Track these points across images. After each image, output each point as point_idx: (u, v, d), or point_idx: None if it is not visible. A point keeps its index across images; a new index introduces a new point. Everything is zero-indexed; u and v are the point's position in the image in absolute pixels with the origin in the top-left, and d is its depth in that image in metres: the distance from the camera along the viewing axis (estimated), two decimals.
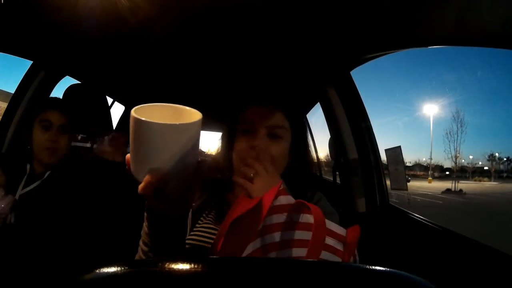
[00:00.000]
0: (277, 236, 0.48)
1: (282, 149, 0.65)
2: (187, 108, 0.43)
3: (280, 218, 0.49)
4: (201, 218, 0.67)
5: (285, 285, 0.26)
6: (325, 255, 0.48)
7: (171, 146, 0.38)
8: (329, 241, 0.49)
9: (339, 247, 0.50)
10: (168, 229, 0.47)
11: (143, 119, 0.36)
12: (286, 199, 0.52)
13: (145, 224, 0.48)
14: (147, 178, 0.38)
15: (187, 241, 0.60)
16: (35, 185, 0.99)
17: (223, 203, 0.68)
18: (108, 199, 1.15)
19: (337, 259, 0.49)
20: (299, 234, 0.48)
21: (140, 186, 0.39)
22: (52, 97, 1.23)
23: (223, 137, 0.73)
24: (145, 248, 0.48)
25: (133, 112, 0.37)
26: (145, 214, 0.47)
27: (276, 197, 0.50)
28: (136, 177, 0.40)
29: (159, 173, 0.38)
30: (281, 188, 0.51)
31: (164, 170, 0.39)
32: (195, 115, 0.42)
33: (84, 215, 1.01)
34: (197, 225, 0.65)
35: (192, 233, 0.63)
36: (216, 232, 0.54)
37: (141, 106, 0.40)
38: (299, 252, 0.47)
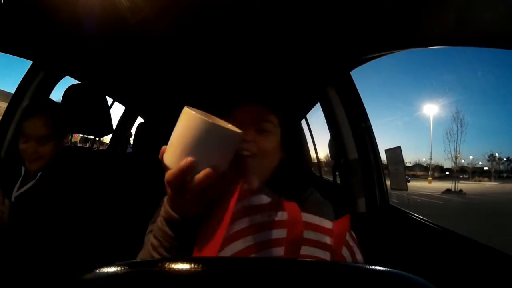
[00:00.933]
0: (252, 238, 0.47)
1: (270, 143, 0.65)
2: (226, 123, 0.49)
3: (254, 219, 0.48)
4: None
5: (285, 285, 0.26)
6: (306, 250, 0.47)
7: (226, 147, 0.43)
8: (309, 234, 0.48)
9: (325, 239, 0.49)
10: (182, 229, 0.47)
11: (212, 122, 0.41)
12: (258, 199, 0.50)
13: (159, 219, 0.49)
14: (181, 165, 0.41)
15: None
16: (29, 185, 0.99)
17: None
18: (104, 199, 1.15)
19: (321, 252, 0.48)
20: (275, 233, 0.47)
21: (171, 172, 0.42)
22: (35, 103, 1.18)
23: None
24: (156, 243, 0.48)
25: (193, 112, 0.41)
26: (162, 210, 0.48)
27: (244, 198, 0.49)
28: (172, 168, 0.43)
29: (195, 166, 0.41)
30: (244, 188, 0.48)
31: (202, 164, 0.42)
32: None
33: (79, 214, 1.01)
34: None
35: None
36: None
37: (189, 108, 0.44)
38: (276, 252, 0.46)
